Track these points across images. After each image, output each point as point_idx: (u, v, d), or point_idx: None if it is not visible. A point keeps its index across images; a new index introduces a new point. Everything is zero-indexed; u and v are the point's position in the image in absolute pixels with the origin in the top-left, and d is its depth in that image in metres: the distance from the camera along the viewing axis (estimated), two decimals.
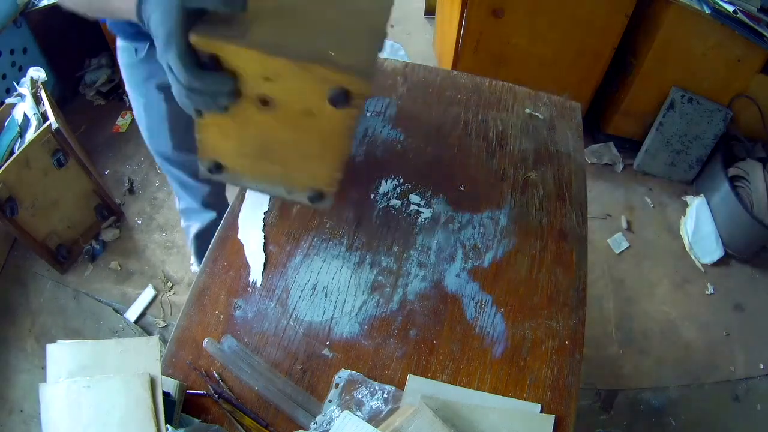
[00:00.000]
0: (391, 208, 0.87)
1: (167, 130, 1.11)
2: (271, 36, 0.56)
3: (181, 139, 1.13)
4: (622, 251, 1.99)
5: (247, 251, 0.81)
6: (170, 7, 0.52)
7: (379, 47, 0.62)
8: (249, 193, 0.88)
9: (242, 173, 0.71)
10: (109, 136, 2.17)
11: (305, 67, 0.55)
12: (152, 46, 0.86)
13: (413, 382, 0.69)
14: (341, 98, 0.56)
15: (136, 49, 1.00)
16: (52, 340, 0.65)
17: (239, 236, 0.83)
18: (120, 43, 1.02)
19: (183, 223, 1.42)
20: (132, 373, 0.62)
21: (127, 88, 1.10)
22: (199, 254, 1.43)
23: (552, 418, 0.67)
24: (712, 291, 1.89)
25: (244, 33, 0.55)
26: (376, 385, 0.68)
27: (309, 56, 0.55)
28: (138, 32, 0.94)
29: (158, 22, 0.53)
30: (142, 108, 1.09)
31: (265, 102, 0.59)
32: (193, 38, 0.53)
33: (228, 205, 0.89)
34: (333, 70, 0.54)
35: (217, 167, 0.69)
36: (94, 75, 2.30)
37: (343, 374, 0.69)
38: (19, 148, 1.57)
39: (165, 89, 1.02)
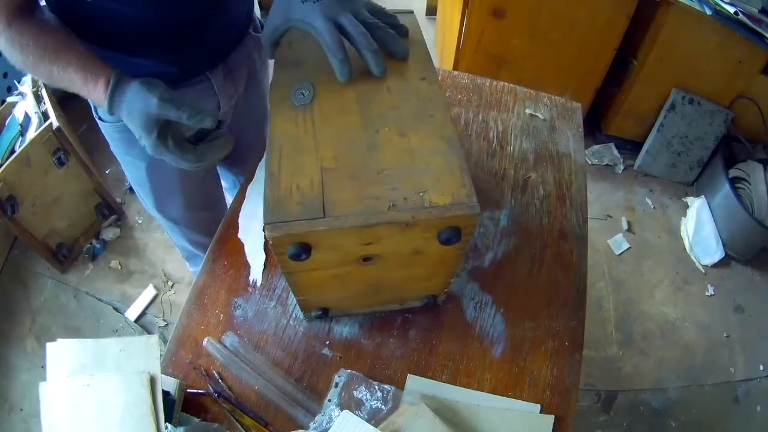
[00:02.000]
0: None
1: (179, 192, 1.00)
2: (352, 196, 0.51)
3: (194, 197, 1.04)
4: (623, 252, 1.98)
5: (247, 250, 0.81)
6: (148, 124, 0.59)
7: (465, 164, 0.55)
8: (249, 193, 0.88)
9: (350, 309, 0.72)
10: None
11: (411, 224, 0.51)
12: None
13: (413, 381, 0.69)
14: (454, 237, 0.53)
15: None
16: (53, 339, 0.65)
17: (239, 235, 0.83)
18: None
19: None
20: (132, 372, 0.62)
21: (118, 153, 0.93)
22: None
23: (551, 418, 0.67)
24: (713, 292, 1.89)
25: (319, 203, 0.50)
26: (375, 384, 0.68)
27: (412, 212, 0.50)
28: None
29: (140, 135, 0.61)
30: (144, 172, 0.94)
31: (367, 259, 0.57)
32: (276, 234, 0.49)
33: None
34: (440, 218, 0.50)
35: (324, 311, 0.70)
36: None
37: (343, 374, 0.69)
38: (19, 146, 1.57)
39: None
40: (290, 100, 0.61)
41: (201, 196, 1.05)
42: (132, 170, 0.96)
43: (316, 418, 0.65)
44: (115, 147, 0.92)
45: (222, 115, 0.95)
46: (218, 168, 1.12)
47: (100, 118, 0.87)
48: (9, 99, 1.71)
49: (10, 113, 1.68)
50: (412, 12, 0.74)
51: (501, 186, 0.92)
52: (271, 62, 0.71)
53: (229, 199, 1.22)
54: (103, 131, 0.90)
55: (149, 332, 1.70)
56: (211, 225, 0.90)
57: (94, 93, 0.62)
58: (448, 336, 0.74)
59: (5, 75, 1.88)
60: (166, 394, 0.63)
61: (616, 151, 2.25)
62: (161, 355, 0.67)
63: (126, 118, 0.61)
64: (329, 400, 0.67)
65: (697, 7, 1.67)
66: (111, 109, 0.61)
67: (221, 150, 0.63)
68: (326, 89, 0.62)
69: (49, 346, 0.65)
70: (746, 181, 1.92)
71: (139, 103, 0.58)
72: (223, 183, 1.21)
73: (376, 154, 0.55)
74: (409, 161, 0.54)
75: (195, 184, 1.02)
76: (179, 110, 0.57)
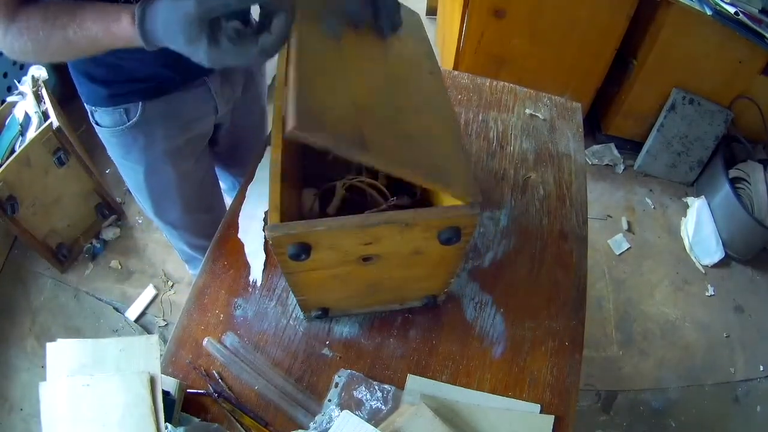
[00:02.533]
0: None
1: (177, 195, 0.99)
2: (388, 140, 0.50)
3: (192, 200, 1.04)
4: (623, 252, 1.98)
5: (247, 250, 0.81)
6: (192, 32, 0.51)
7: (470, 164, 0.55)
8: (249, 193, 0.88)
9: (350, 309, 0.72)
10: None
11: (411, 224, 0.50)
12: (147, 101, 0.81)
13: (413, 381, 0.69)
14: (454, 237, 0.52)
15: (126, 111, 0.82)
16: (53, 339, 0.65)
17: (239, 236, 0.83)
18: (98, 108, 0.83)
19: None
20: (132, 372, 0.62)
21: (116, 158, 0.92)
22: None
23: (551, 418, 0.67)
24: (713, 292, 1.89)
25: (359, 132, 0.47)
26: (375, 384, 0.68)
27: (412, 212, 0.50)
28: (129, 92, 0.80)
29: (189, 51, 0.53)
30: (142, 177, 0.93)
31: (367, 259, 0.57)
32: (276, 234, 0.49)
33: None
34: (440, 218, 0.51)
35: (324, 311, 0.70)
36: None
37: (343, 374, 0.69)
38: (20, 146, 1.57)
39: (172, 153, 0.90)
40: (320, 26, 0.56)
41: (199, 198, 1.05)
42: (130, 175, 0.95)
43: (316, 418, 0.65)
44: (113, 152, 0.91)
45: (220, 119, 0.94)
46: (217, 169, 1.12)
47: (97, 123, 0.86)
48: (9, 99, 1.70)
49: (10, 113, 1.68)
50: (416, 14, 0.74)
51: (501, 186, 0.92)
52: (267, 65, 0.69)
53: (228, 200, 1.22)
54: (100, 136, 0.89)
55: (149, 332, 1.70)
56: (209, 228, 0.90)
57: (121, 32, 0.56)
58: (448, 336, 0.74)
59: (5, 75, 1.88)
60: (166, 394, 0.63)
61: (616, 151, 2.25)
62: (161, 355, 0.67)
63: (167, 38, 0.54)
64: (329, 400, 0.67)
65: (697, 7, 1.67)
66: (145, 38, 0.55)
67: (283, 34, 0.54)
68: (349, 37, 0.58)
69: (49, 346, 0.65)
70: (746, 181, 1.92)
71: (175, 13, 0.52)
72: (222, 184, 1.20)
73: (401, 117, 0.53)
74: (426, 140, 0.53)
75: (193, 186, 1.01)
76: None
